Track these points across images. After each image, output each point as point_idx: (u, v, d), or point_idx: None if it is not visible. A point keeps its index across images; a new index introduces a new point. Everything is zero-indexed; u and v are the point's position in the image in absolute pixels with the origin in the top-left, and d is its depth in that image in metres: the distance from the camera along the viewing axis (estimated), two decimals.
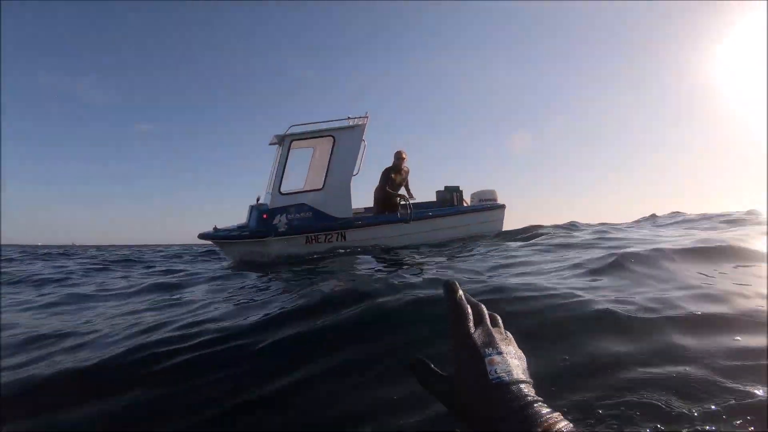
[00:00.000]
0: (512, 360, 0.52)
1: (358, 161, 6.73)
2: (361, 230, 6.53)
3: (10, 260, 4.94)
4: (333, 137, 6.63)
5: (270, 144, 7.11)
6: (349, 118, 6.79)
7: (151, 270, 6.15)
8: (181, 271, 5.57)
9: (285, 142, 6.48)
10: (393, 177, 6.83)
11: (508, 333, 0.58)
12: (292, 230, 6.30)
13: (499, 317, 0.60)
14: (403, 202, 6.70)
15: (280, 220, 6.31)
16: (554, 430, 0.43)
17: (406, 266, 3.90)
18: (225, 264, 6.68)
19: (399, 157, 6.88)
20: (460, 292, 0.58)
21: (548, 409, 0.46)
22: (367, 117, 6.81)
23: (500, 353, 0.52)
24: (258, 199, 6.45)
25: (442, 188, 7.91)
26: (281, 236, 6.25)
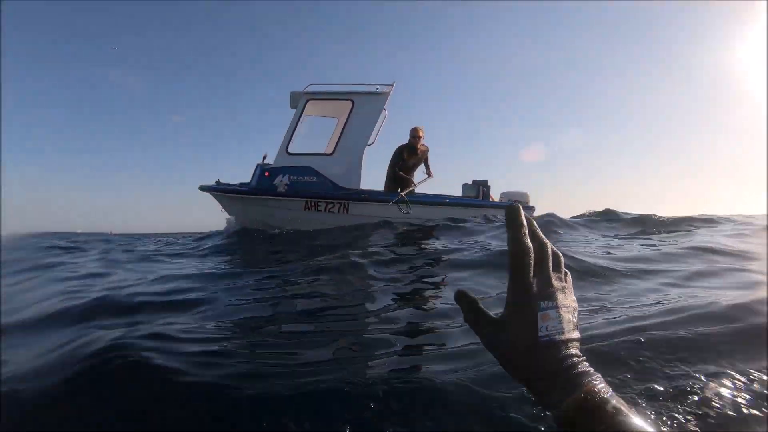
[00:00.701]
0: (566, 314, 0.49)
1: (375, 130, 6.19)
2: (366, 204, 5.95)
3: (70, 248, 4.68)
4: (352, 101, 6.15)
5: (291, 107, 6.75)
6: (373, 85, 6.29)
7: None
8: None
9: (301, 99, 6.09)
10: (405, 157, 6.15)
11: (568, 275, 0.54)
12: (291, 192, 5.86)
13: (561, 256, 0.54)
14: (401, 192, 5.99)
15: (281, 180, 5.89)
16: (594, 390, 0.44)
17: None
18: (225, 219, 6.36)
19: (414, 135, 6.08)
20: (525, 226, 0.50)
21: (590, 370, 0.47)
22: (392, 85, 6.27)
23: (556, 307, 0.49)
24: (264, 158, 6.10)
25: (470, 181, 7.30)
26: (280, 196, 5.83)
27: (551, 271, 0.51)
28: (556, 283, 0.50)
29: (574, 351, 0.48)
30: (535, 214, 7.02)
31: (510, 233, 0.50)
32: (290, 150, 6.05)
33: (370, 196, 6.02)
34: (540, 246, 0.51)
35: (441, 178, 6.55)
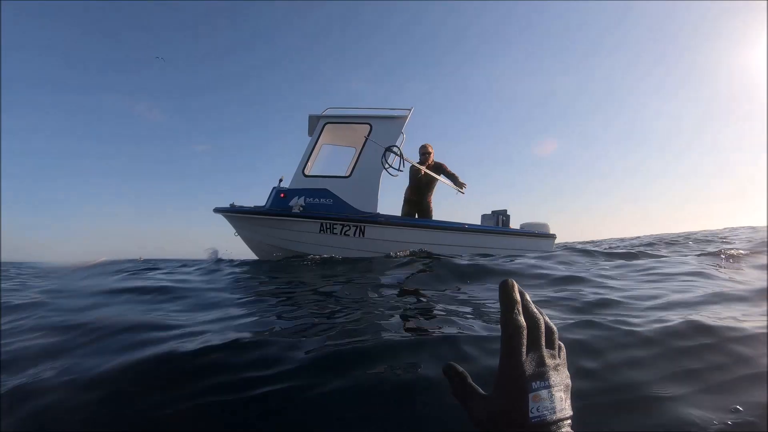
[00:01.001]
0: (558, 393, 0.48)
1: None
2: (383, 228, 5.74)
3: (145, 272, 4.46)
4: (370, 125, 6.12)
5: (309, 134, 6.74)
6: (391, 109, 6.30)
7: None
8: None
9: (319, 123, 6.08)
10: (418, 176, 6.06)
11: (562, 349, 0.53)
12: (306, 213, 5.69)
13: (556, 331, 0.52)
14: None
15: (297, 202, 5.74)
16: None
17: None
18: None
19: (423, 152, 6.13)
20: (519, 306, 0.49)
21: None
22: (410, 110, 6.26)
23: (548, 387, 0.47)
24: (280, 181, 6.00)
25: (489, 212, 7.15)
26: (294, 218, 5.66)
27: (544, 349, 0.50)
28: (549, 361, 0.49)
29: (565, 430, 0.47)
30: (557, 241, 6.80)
31: (503, 311, 0.49)
32: (307, 172, 5.95)
33: (387, 220, 5.81)
34: (533, 322, 0.50)
35: (457, 210, 6.35)
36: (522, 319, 0.49)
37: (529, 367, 0.47)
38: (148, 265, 5.39)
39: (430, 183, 6.18)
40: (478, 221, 7.02)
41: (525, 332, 0.48)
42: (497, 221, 6.86)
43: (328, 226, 5.68)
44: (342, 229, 5.69)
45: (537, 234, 6.59)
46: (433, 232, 5.87)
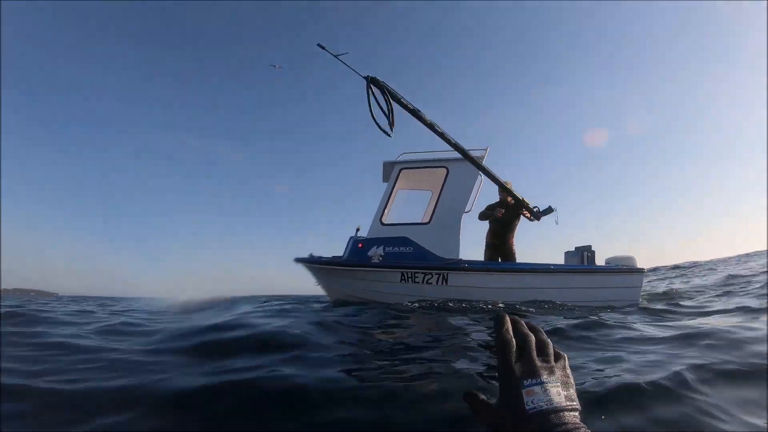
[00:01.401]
0: (553, 388, 0.54)
1: (471, 196, 5.91)
2: (466, 275, 5.53)
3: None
4: (446, 168, 5.98)
5: (383, 181, 6.71)
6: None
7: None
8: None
9: (394, 169, 6.03)
10: (498, 215, 5.79)
11: (562, 357, 0.60)
12: (386, 263, 5.60)
13: (550, 344, 0.61)
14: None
15: (376, 252, 5.67)
16: None
17: None
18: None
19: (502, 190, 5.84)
20: (508, 325, 0.62)
21: None
22: (486, 150, 6.06)
23: (541, 383, 0.55)
24: (357, 230, 5.98)
25: (572, 249, 6.73)
26: (374, 268, 5.58)
27: (535, 356, 0.58)
28: (539, 364, 0.57)
29: (568, 418, 0.52)
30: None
31: (495, 330, 0.62)
32: (384, 221, 5.89)
33: (470, 266, 5.60)
34: (522, 338, 0.61)
35: (537, 250, 5.97)
36: (509, 336, 0.60)
37: (519, 370, 0.56)
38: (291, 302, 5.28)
39: (510, 223, 5.90)
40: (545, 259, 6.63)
41: (512, 345, 0.59)
42: (582, 258, 6.44)
43: (409, 275, 5.55)
44: (424, 277, 5.54)
45: (625, 270, 6.10)
46: (518, 275, 5.57)
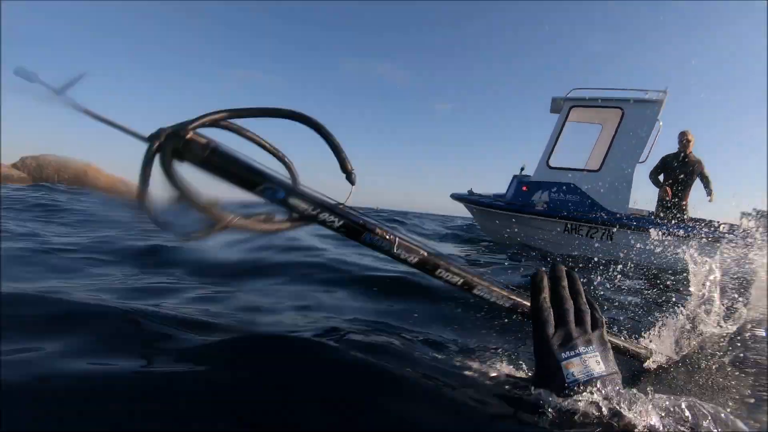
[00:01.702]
0: (592, 359, 0.56)
1: (648, 145, 5.32)
2: (633, 233, 5.11)
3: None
4: (621, 110, 5.30)
5: (551, 111, 5.92)
6: (643, 90, 5.39)
7: None
8: None
9: (564, 106, 5.31)
10: (671, 168, 5.15)
11: (599, 326, 0.60)
12: (550, 212, 5.14)
13: (588, 312, 0.61)
14: (668, 207, 4.97)
15: (540, 197, 5.21)
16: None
17: None
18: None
19: (682, 140, 5.07)
20: (545, 291, 0.62)
21: (617, 408, 0.51)
22: (665, 92, 5.35)
23: (578, 354, 0.56)
24: (522, 169, 5.40)
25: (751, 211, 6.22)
26: (536, 215, 5.13)
27: (573, 327, 0.59)
28: (576, 335, 0.58)
29: (608, 386, 0.55)
30: None
31: (531, 296, 0.63)
32: (551, 163, 5.32)
33: (639, 224, 5.17)
34: (560, 304, 0.61)
35: (710, 209, 5.45)
36: (546, 306, 0.61)
37: (557, 340, 0.58)
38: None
39: (689, 180, 5.34)
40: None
41: (550, 316, 0.60)
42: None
43: (573, 227, 5.14)
44: (588, 231, 5.14)
45: None
46: (700, 242, 5.13)
